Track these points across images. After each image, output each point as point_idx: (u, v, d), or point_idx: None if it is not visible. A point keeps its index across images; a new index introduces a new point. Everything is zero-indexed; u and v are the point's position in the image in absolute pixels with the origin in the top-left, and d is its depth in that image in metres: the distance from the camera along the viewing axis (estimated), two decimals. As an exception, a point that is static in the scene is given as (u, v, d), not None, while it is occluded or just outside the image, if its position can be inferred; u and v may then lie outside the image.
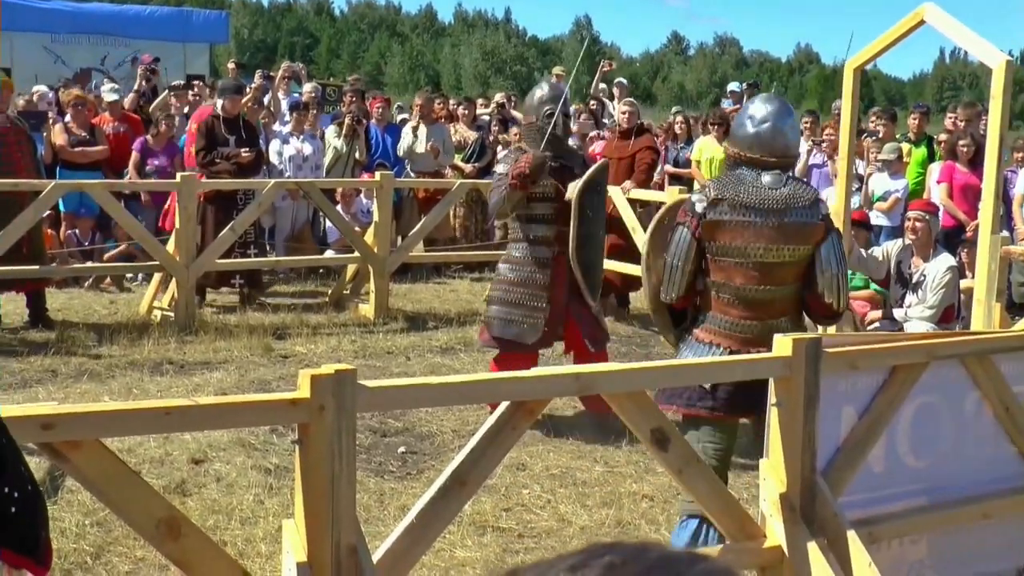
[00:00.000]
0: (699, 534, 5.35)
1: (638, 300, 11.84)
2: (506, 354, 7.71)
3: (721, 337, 5.50)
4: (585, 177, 7.63)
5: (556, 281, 7.55)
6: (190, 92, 15.11)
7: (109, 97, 14.05)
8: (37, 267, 10.17)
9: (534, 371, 4.64)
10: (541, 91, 8.01)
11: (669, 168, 14.59)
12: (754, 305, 5.45)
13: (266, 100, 15.20)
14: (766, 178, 5.44)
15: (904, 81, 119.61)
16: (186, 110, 14.38)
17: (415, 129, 14.24)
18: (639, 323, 11.47)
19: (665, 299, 5.59)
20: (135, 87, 15.46)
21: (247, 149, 12.03)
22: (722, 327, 5.50)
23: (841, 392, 4.99)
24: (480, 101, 18.11)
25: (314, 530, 3.81)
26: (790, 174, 5.61)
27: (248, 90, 13.70)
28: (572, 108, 17.45)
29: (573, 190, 7.57)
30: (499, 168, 7.80)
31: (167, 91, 14.98)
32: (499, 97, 17.88)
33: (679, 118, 15.77)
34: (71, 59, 20.64)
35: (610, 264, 11.74)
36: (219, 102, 12.43)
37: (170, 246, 10.86)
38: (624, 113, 12.45)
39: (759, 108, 5.60)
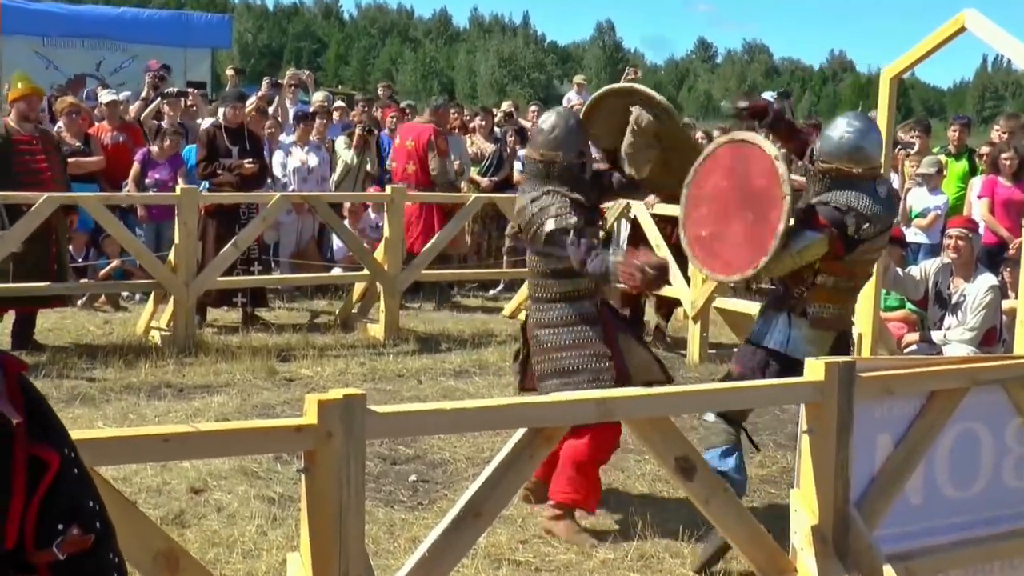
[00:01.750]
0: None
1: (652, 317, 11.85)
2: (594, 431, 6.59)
3: (829, 325, 6.17)
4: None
5: (608, 336, 6.63)
6: (184, 100, 15.16)
7: (106, 98, 14.05)
8: (34, 284, 10.17)
9: (552, 396, 4.65)
10: (567, 124, 6.66)
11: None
12: (851, 298, 6.36)
13: (271, 109, 15.28)
14: (882, 189, 6.11)
15: (944, 90, 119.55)
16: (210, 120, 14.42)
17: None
18: (663, 346, 11.46)
19: (766, 273, 6.21)
20: (143, 94, 15.47)
21: (250, 160, 12.08)
22: (832, 315, 6.16)
23: (876, 419, 4.99)
24: (499, 110, 18.12)
25: (320, 564, 3.82)
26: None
27: (255, 98, 13.78)
28: None
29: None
30: (568, 219, 6.41)
31: (159, 99, 14.95)
32: (506, 106, 17.90)
33: (699, 133, 15.65)
34: (64, 64, 20.67)
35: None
36: (221, 111, 12.48)
37: (169, 263, 10.90)
38: None
39: (853, 120, 6.22)
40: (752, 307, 11.32)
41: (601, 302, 6.70)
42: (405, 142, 13.80)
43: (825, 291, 6.09)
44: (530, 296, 6.80)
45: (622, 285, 6.43)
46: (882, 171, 6.30)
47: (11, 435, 2.08)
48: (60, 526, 2.15)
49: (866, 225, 5.90)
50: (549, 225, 6.36)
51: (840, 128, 6.09)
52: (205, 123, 13.54)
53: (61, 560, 2.15)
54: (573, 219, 6.35)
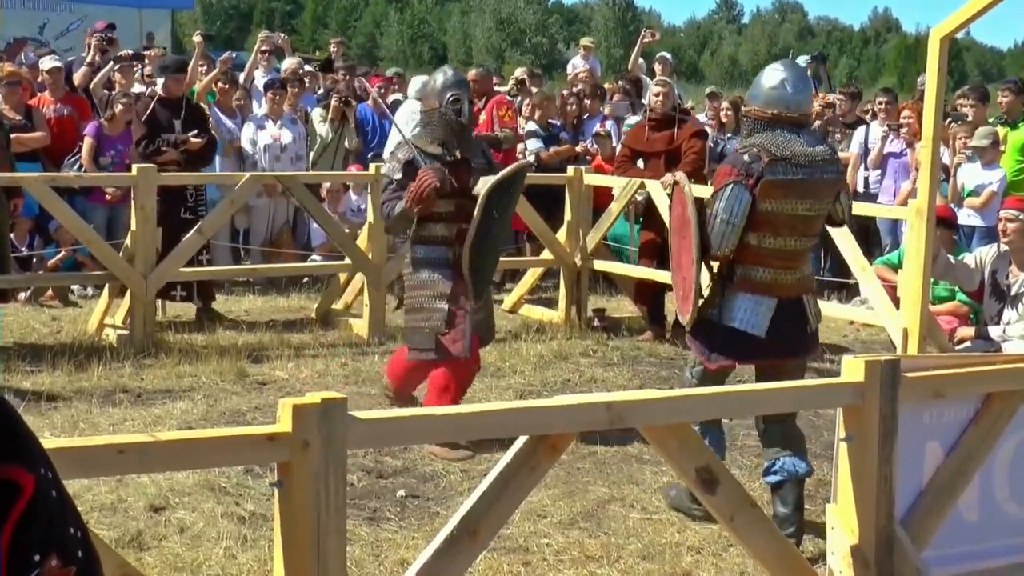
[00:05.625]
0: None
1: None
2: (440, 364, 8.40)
3: (765, 288, 6.69)
4: (500, 176, 8.22)
5: (456, 285, 8.25)
6: (139, 66, 15.11)
7: (48, 65, 13.97)
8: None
9: (557, 400, 4.65)
10: (444, 76, 8.59)
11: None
12: (791, 257, 6.73)
13: (242, 78, 15.27)
14: (806, 137, 6.75)
15: (1003, 52, 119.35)
16: (140, 88, 14.37)
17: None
18: (682, 343, 11.46)
19: (718, 253, 6.67)
20: (87, 59, 15.35)
21: (195, 133, 12.10)
22: (765, 278, 6.69)
23: (924, 425, 5.00)
24: (512, 78, 18.07)
25: (296, 589, 3.83)
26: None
27: (200, 67, 13.77)
28: (606, 86, 17.61)
29: (484, 185, 8.14)
30: (393, 173, 8.33)
31: (111, 63, 14.81)
32: (520, 73, 17.90)
33: (724, 103, 15.69)
34: (2, 27, 20.62)
35: (642, 272, 11.78)
36: (159, 81, 12.48)
37: (125, 251, 10.89)
38: (658, 96, 12.00)
39: (780, 69, 6.92)
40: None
41: (459, 253, 8.13)
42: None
43: (750, 251, 6.67)
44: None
45: (415, 209, 8.07)
46: (807, 120, 7.01)
47: None
48: (36, 557, 2.12)
49: (767, 160, 6.55)
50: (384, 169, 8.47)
51: (764, 74, 6.92)
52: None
53: None
54: (398, 175, 8.18)
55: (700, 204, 6.81)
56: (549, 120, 14.91)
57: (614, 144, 14.06)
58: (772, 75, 6.85)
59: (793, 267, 6.76)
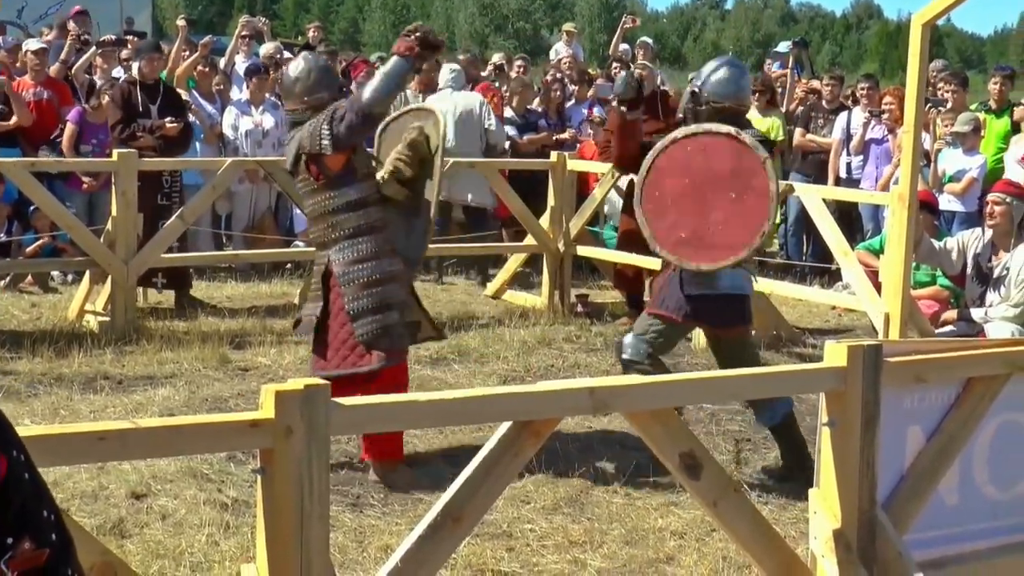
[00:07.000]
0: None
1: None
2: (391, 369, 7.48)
3: None
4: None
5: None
6: (122, 51, 15.04)
7: (34, 46, 13.87)
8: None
9: (541, 385, 4.65)
10: (317, 62, 7.73)
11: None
12: None
13: (222, 63, 15.22)
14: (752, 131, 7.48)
15: (983, 39, 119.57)
16: (118, 72, 14.30)
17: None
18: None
19: None
20: (62, 55, 15.22)
21: (171, 119, 12.06)
22: None
23: (906, 409, 5.01)
24: (491, 63, 18.03)
25: None
26: None
27: (183, 52, 13.72)
28: (590, 71, 17.59)
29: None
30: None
31: (93, 47, 14.75)
32: (497, 58, 17.88)
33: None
34: None
35: (623, 257, 11.76)
36: (135, 65, 12.42)
37: (106, 237, 10.86)
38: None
39: (733, 62, 7.86)
40: (765, 284, 11.37)
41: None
42: None
43: None
44: (327, 241, 7.48)
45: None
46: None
47: None
48: (9, 540, 2.12)
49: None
50: (325, 128, 7.13)
51: (724, 70, 7.52)
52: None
53: None
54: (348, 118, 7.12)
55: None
56: (527, 107, 14.92)
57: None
58: (713, 66, 7.64)
59: None
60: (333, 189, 7.36)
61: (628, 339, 7.47)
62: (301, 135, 7.31)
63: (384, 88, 7.18)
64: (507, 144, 14.26)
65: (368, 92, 7.19)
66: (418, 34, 7.35)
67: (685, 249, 7.19)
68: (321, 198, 7.42)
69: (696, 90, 7.49)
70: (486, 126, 13.88)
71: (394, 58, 7.34)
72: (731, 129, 7.20)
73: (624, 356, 7.43)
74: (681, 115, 7.89)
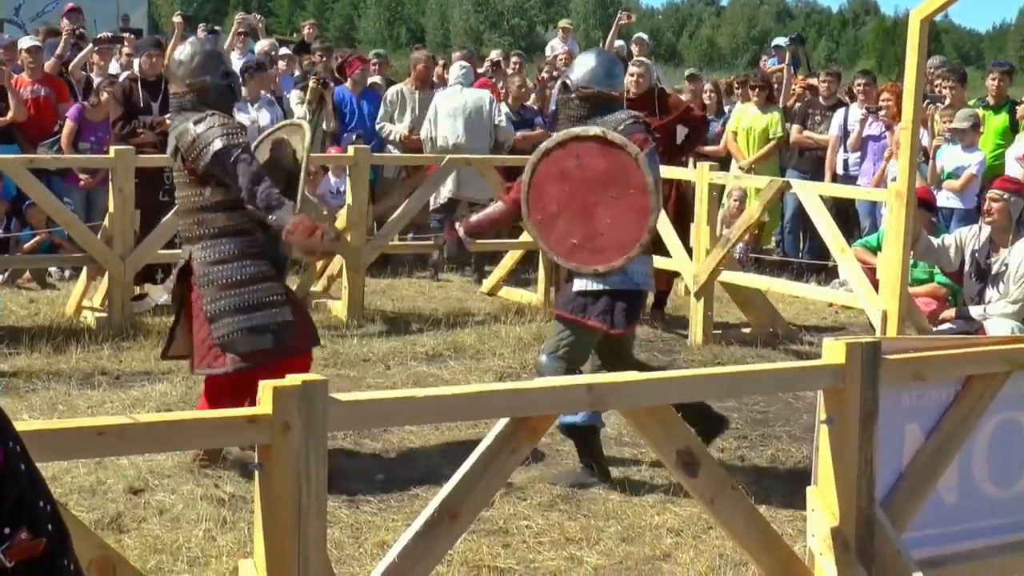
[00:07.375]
0: None
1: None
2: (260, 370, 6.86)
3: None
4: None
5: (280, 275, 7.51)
6: (119, 48, 15.00)
7: (27, 44, 13.85)
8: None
9: (539, 382, 4.65)
10: (203, 46, 7.71)
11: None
12: None
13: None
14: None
15: (982, 34, 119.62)
16: (116, 69, 14.25)
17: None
18: (662, 325, 11.47)
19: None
20: (57, 51, 15.19)
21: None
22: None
23: (904, 407, 5.01)
24: (488, 60, 18.03)
25: (276, 571, 3.83)
26: None
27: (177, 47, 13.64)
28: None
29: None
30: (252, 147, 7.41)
31: (90, 45, 14.73)
32: (494, 55, 17.86)
33: (707, 85, 15.73)
34: None
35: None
36: (136, 62, 12.40)
37: (103, 233, 10.84)
38: (632, 76, 11.59)
39: (600, 51, 8.17)
40: (762, 281, 11.37)
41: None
42: None
43: None
44: (192, 237, 7.33)
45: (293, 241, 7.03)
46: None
47: None
48: (6, 530, 2.12)
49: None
50: (217, 144, 7.00)
51: (592, 59, 7.54)
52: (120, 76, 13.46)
53: (8, 568, 2.12)
54: (243, 139, 7.13)
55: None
56: (523, 104, 14.92)
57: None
58: (589, 54, 7.81)
59: None
60: (203, 187, 7.23)
61: (542, 359, 7.31)
62: (184, 130, 7.17)
63: (268, 204, 6.98)
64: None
65: (264, 195, 6.97)
66: None
67: (580, 254, 7.19)
68: (191, 193, 7.31)
69: (567, 81, 7.51)
70: (495, 123, 13.87)
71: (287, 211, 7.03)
72: (598, 130, 7.17)
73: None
74: (553, 107, 8.02)
